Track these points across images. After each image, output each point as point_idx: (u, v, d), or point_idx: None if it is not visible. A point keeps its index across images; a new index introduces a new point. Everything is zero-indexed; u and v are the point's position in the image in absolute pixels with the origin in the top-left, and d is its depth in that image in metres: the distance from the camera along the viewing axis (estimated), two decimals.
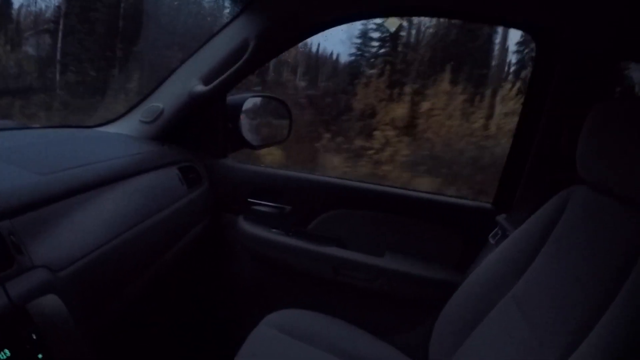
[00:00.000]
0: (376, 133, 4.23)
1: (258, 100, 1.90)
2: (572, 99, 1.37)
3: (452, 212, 1.65)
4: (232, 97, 1.77)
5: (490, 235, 1.46)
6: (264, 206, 1.77)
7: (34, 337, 0.84)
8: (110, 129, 1.71)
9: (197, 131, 1.75)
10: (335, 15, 1.61)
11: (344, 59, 4.82)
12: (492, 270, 1.17)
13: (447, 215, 1.65)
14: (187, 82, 1.64)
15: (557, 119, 1.40)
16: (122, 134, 1.67)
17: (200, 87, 1.60)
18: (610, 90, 1.38)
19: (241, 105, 1.77)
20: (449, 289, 1.29)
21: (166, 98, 1.67)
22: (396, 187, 1.74)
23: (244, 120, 1.79)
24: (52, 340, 0.87)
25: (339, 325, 1.46)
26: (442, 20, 4.81)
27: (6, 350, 0.79)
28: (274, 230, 1.74)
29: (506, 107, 4.17)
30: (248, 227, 1.75)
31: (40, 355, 0.84)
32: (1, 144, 1.25)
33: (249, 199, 1.78)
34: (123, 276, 1.23)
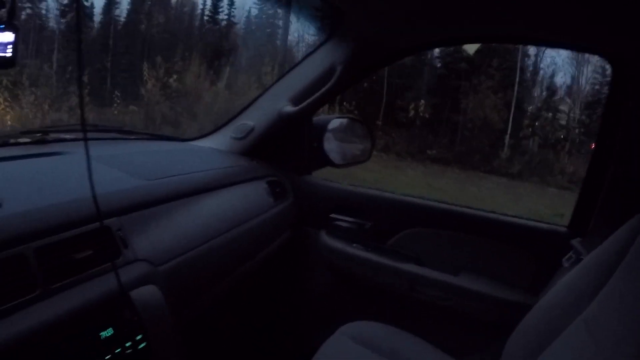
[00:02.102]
0: None
1: (342, 121, 1.99)
2: None
3: (527, 234, 1.66)
4: (317, 118, 1.88)
5: (564, 258, 1.45)
6: (345, 222, 1.85)
7: (136, 319, 0.97)
8: (203, 143, 1.87)
9: (284, 149, 1.87)
10: (420, 41, 1.68)
11: None
12: (563, 294, 1.17)
13: (523, 237, 1.65)
14: (276, 102, 1.77)
15: (633, 144, 1.39)
16: (215, 148, 1.82)
17: (290, 108, 1.73)
18: None
19: (326, 125, 1.87)
20: (522, 310, 1.29)
21: (257, 116, 1.81)
22: (474, 209, 1.76)
23: (328, 140, 1.88)
24: (150, 324, 0.99)
25: (412, 340, 1.48)
26: None
27: (110, 329, 0.92)
28: (354, 245, 1.80)
29: None
30: (329, 240, 1.83)
31: (138, 337, 0.96)
32: (110, 152, 1.43)
33: (331, 215, 1.86)
34: (213, 276, 1.36)
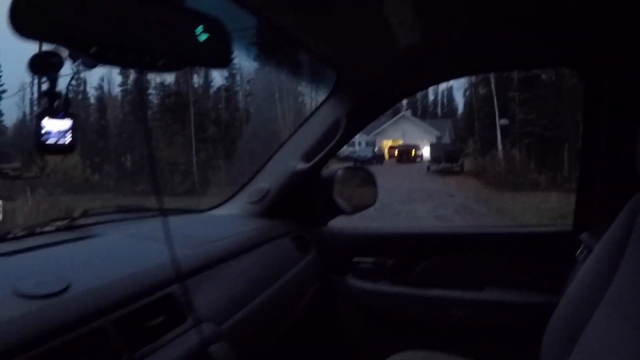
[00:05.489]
0: None
1: (346, 171, 2.08)
2: (624, 120, 1.50)
3: (537, 240, 1.80)
4: (325, 171, 1.97)
5: (577, 253, 1.55)
6: (368, 263, 1.92)
7: None
8: (220, 211, 1.93)
9: (298, 204, 1.93)
10: (413, 86, 1.83)
11: None
12: (583, 283, 1.23)
13: (534, 244, 1.78)
14: (289, 161, 1.85)
15: (615, 139, 1.54)
16: (234, 214, 1.87)
17: (303, 165, 1.81)
18: None
19: (333, 177, 1.95)
20: (550, 310, 1.34)
21: (271, 178, 1.88)
22: (481, 227, 1.88)
23: (337, 191, 1.96)
24: None
25: None
26: None
27: None
28: (379, 282, 1.89)
29: None
30: (357, 283, 1.91)
31: None
32: (144, 229, 1.49)
33: (353, 259, 1.94)
34: (265, 330, 1.42)
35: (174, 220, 1.71)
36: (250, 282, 1.40)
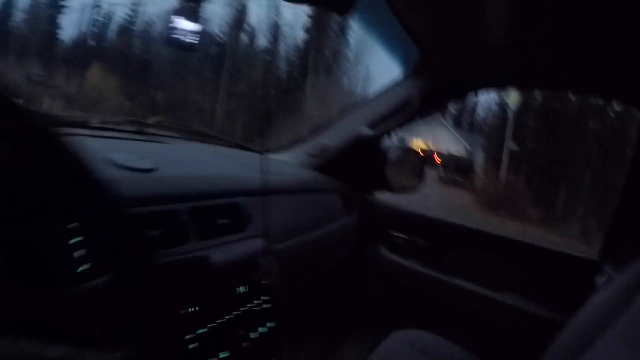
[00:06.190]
0: None
1: (401, 149, 2.12)
2: None
3: (564, 261, 1.83)
4: (383, 145, 2.01)
5: (597, 278, 1.59)
6: (401, 239, 2.00)
7: (265, 282, 1.11)
8: (278, 157, 1.98)
9: (352, 169, 1.99)
10: (488, 83, 1.87)
11: None
12: (596, 308, 1.26)
13: (560, 264, 1.82)
14: (354, 126, 1.91)
15: None
16: (290, 162, 1.94)
17: (368, 130, 1.86)
18: None
19: (388, 152, 1.99)
20: (559, 327, 1.37)
21: (334, 137, 1.94)
22: (513, 235, 1.92)
23: (388, 166, 2.01)
24: (274, 289, 1.13)
25: (458, 352, 1.56)
26: None
27: (244, 287, 1.06)
28: (409, 259, 1.96)
29: None
30: (386, 254, 2.00)
31: (265, 298, 1.10)
32: (209, 147, 1.61)
33: (390, 232, 2.01)
34: (304, 266, 1.51)
35: (237, 153, 1.77)
36: (301, 219, 1.49)
